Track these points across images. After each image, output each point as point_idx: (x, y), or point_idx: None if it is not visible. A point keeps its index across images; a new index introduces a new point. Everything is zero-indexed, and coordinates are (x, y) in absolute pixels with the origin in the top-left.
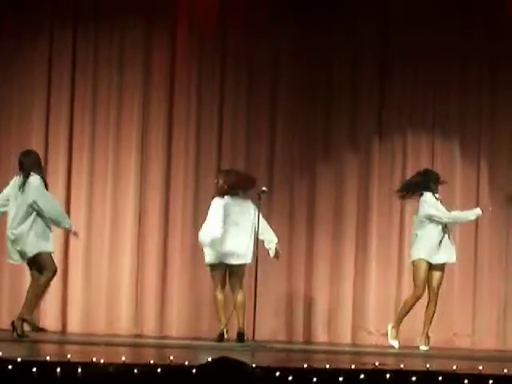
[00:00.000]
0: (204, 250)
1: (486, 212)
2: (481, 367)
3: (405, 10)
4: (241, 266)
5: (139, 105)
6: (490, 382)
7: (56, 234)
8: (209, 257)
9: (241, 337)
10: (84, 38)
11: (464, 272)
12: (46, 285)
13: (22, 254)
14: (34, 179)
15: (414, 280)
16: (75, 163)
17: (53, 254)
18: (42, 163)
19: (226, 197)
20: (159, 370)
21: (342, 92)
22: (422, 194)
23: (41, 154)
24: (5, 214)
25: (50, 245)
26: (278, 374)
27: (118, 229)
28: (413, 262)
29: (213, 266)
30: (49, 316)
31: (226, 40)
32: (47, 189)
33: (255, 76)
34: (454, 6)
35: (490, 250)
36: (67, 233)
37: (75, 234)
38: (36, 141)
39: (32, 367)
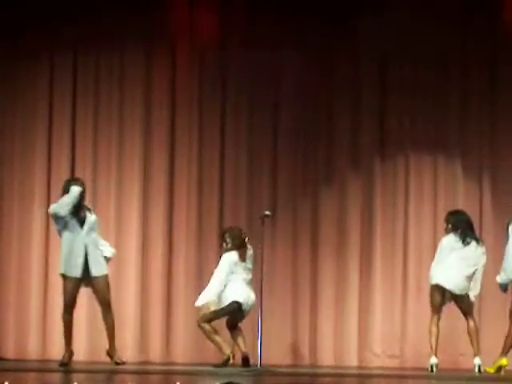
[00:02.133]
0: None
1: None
2: None
3: (403, 31)
4: None
5: (140, 131)
6: None
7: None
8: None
9: (246, 361)
10: (84, 63)
11: None
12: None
13: None
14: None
15: None
16: None
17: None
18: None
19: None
20: None
21: (342, 114)
22: None
23: (44, 189)
24: None
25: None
26: None
27: (122, 256)
28: None
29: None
30: (56, 344)
31: (226, 62)
32: None
33: (256, 97)
34: (452, 21)
35: (495, 271)
36: None
37: None
38: (39, 180)
39: None
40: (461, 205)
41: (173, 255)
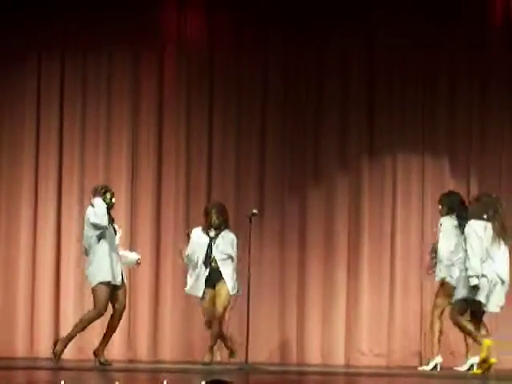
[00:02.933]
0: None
1: None
2: None
3: (391, 32)
4: None
5: (128, 134)
6: None
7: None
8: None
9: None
10: (72, 67)
11: None
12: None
13: None
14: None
15: None
16: (65, 201)
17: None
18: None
19: None
20: None
21: (331, 114)
22: None
23: (31, 192)
24: None
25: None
26: None
27: None
28: None
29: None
30: (42, 342)
31: (214, 64)
32: None
33: (244, 100)
34: (440, 27)
35: None
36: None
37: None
38: (26, 187)
39: None
40: None
41: (160, 256)
